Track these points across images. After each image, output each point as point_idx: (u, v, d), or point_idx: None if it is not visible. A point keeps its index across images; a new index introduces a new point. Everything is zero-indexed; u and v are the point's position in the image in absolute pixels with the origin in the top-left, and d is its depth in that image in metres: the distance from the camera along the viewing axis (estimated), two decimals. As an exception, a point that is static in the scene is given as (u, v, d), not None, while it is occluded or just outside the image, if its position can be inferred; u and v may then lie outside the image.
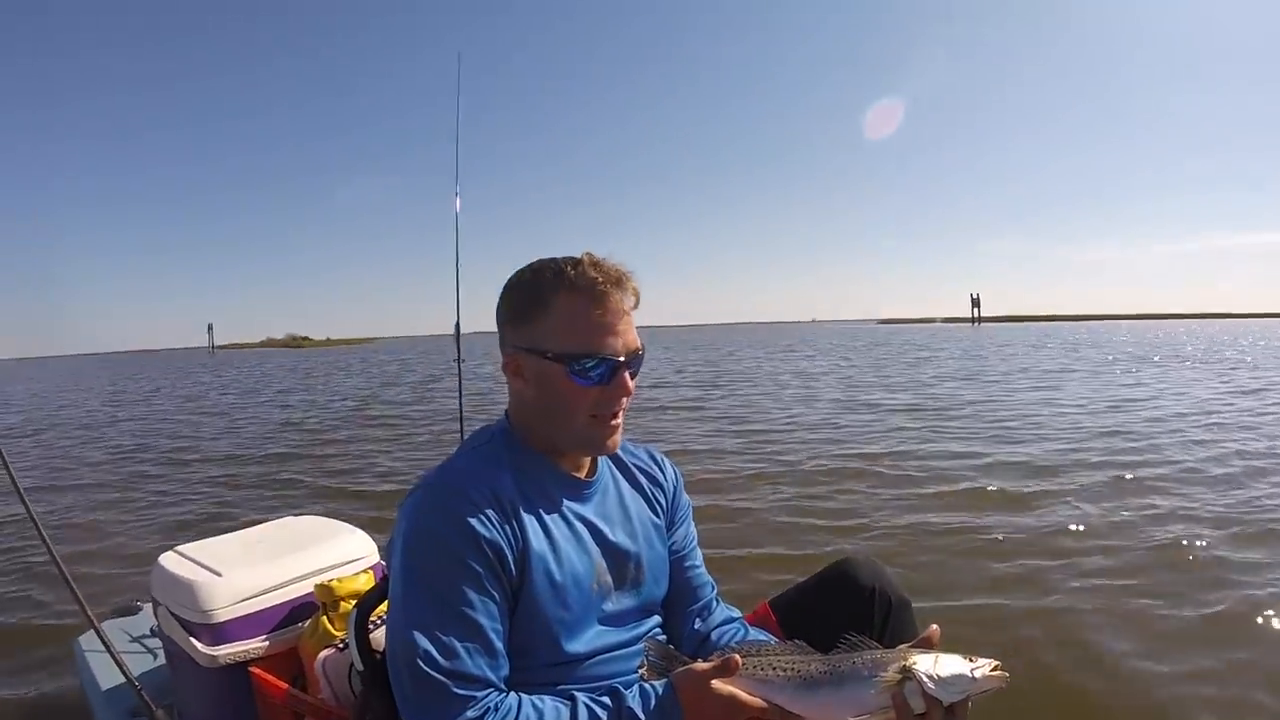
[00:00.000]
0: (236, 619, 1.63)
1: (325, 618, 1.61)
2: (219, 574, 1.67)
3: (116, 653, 1.76)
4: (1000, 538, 3.76)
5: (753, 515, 4.42)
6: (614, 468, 1.22)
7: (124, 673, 1.74)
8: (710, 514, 4.33)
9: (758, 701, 0.93)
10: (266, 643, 1.66)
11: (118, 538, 4.55)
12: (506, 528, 1.00)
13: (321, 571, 1.75)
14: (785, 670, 0.95)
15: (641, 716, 0.94)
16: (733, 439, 7.36)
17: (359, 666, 1.24)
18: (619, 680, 1.04)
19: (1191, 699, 2.22)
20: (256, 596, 1.67)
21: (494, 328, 1.14)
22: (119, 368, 43.37)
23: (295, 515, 2.20)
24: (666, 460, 1.30)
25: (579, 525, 1.10)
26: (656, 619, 1.20)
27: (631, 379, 1.08)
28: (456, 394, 2.50)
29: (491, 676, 0.96)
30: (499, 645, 0.98)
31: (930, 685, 0.89)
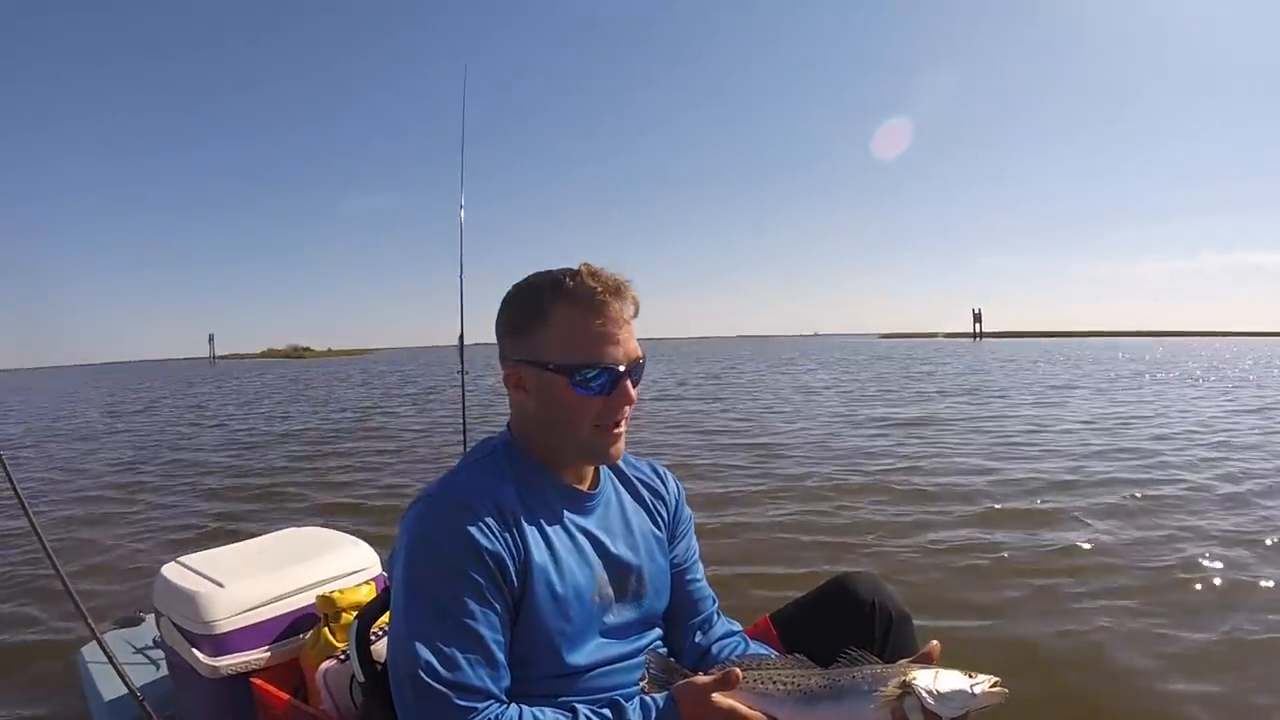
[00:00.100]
0: (238, 630, 1.64)
1: (327, 629, 1.61)
2: (221, 585, 1.68)
3: (119, 664, 1.76)
4: (1005, 555, 3.73)
5: (754, 530, 4.39)
6: (616, 480, 1.22)
7: (126, 684, 1.74)
8: (712, 528, 4.31)
9: (758, 715, 0.93)
10: (268, 654, 1.66)
11: (120, 549, 4.54)
12: (508, 539, 1.01)
13: (323, 583, 1.76)
14: (785, 684, 0.96)
15: (642, 729, 0.95)
16: (735, 453, 7.33)
17: (360, 678, 1.24)
18: (620, 693, 1.04)
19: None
20: (258, 608, 1.68)
21: (495, 339, 1.15)
22: (119, 378, 43.38)
23: (297, 527, 2.21)
24: (669, 473, 1.31)
25: (581, 537, 1.10)
26: (658, 632, 1.21)
27: (633, 388, 1.09)
28: (456, 405, 2.50)
29: (493, 688, 0.97)
30: (500, 656, 0.98)
31: (930, 700, 0.89)
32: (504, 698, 0.98)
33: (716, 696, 0.93)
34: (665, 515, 1.25)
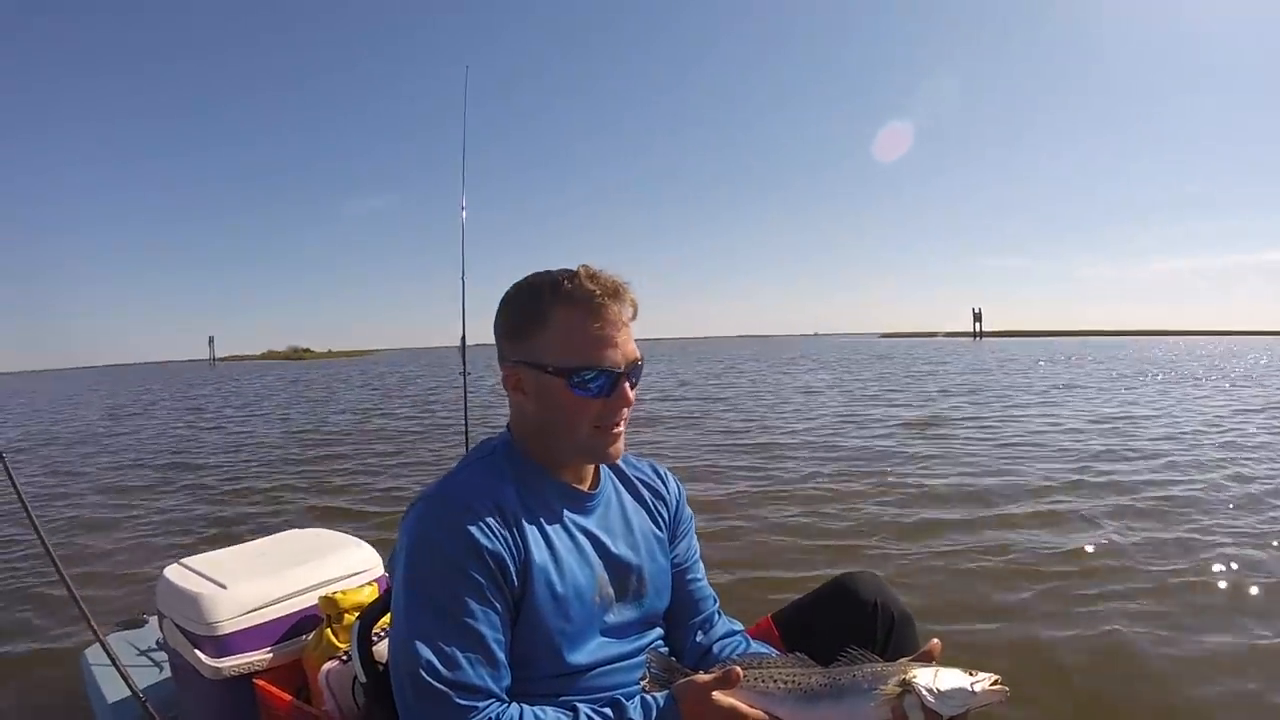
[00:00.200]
0: (241, 631, 1.65)
1: (329, 630, 1.61)
2: (224, 586, 1.69)
3: (122, 666, 1.77)
4: (1013, 557, 3.69)
5: (756, 532, 4.38)
6: (617, 480, 1.23)
7: (129, 685, 1.75)
8: (714, 530, 4.30)
9: (758, 714, 0.93)
10: (270, 655, 1.67)
11: (122, 552, 4.55)
12: (508, 539, 1.01)
13: (326, 584, 1.77)
14: (786, 682, 0.96)
15: (643, 727, 0.95)
16: (736, 453, 7.33)
17: (362, 678, 1.24)
18: (621, 692, 1.04)
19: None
20: (261, 609, 1.68)
21: (494, 340, 1.15)
22: (119, 381, 43.38)
23: (299, 528, 2.21)
24: (669, 474, 1.31)
25: (581, 537, 1.11)
26: (658, 631, 1.21)
27: (632, 389, 1.09)
28: (457, 406, 2.50)
29: (493, 687, 0.97)
30: (501, 656, 0.99)
31: (930, 699, 0.89)
32: (505, 697, 0.98)
33: (717, 695, 0.93)
34: (666, 515, 1.26)
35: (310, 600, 1.73)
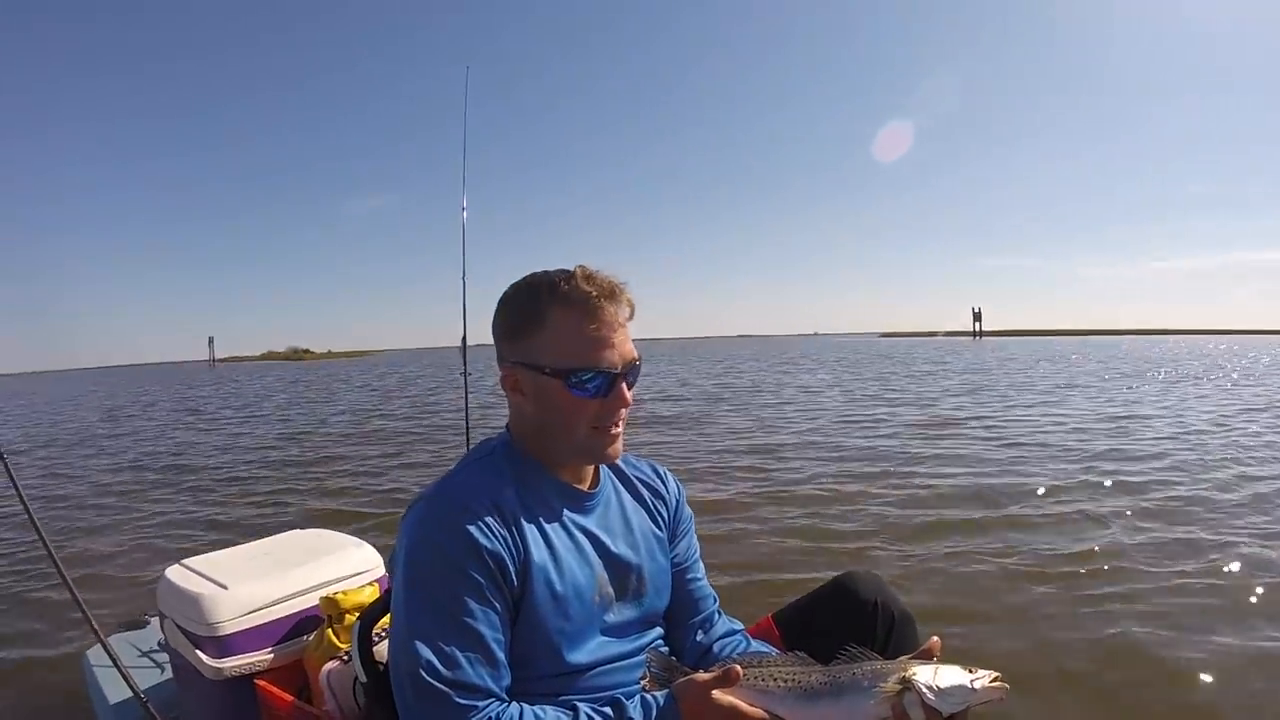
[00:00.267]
0: (242, 632, 1.65)
1: (330, 630, 1.62)
2: (225, 587, 1.69)
3: (123, 667, 1.77)
4: (1019, 558, 3.66)
5: (757, 532, 4.37)
6: (616, 480, 1.23)
7: (131, 686, 1.75)
8: (714, 531, 4.29)
9: (759, 712, 0.93)
10: (271, 655, 1.67)
11: (123, 553, 4.55)
12: (508, 538, 1.01)
13: (327, 584, 1.77)
14: (786, 681, 0.96)
15: (643, 726, 0.95)
16: (737, 454, 7.32)
17: (362, 678, 1.25)
18: (621, 691, 1.05)
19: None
20: (262, 609, 1.69)
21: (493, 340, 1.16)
22: (119, 382, 43.39)
23: (300, 529, 2.21)
24: (669, 473, 1.32)
25: (581, 537, 1.11)
26: (659, 631, 1.21)
27: (629, 390, 1.09)
28: (457, 407, 2.51)
29: (493, 686, 0.97)
30: (501, 655, 0.99)
31: (930, 696, 0.89)
32: (505, 696, 0.99)
33: (717, 694, 0.94)
34: (665, 515, 1.26)
35: (311, 601, 1.73)
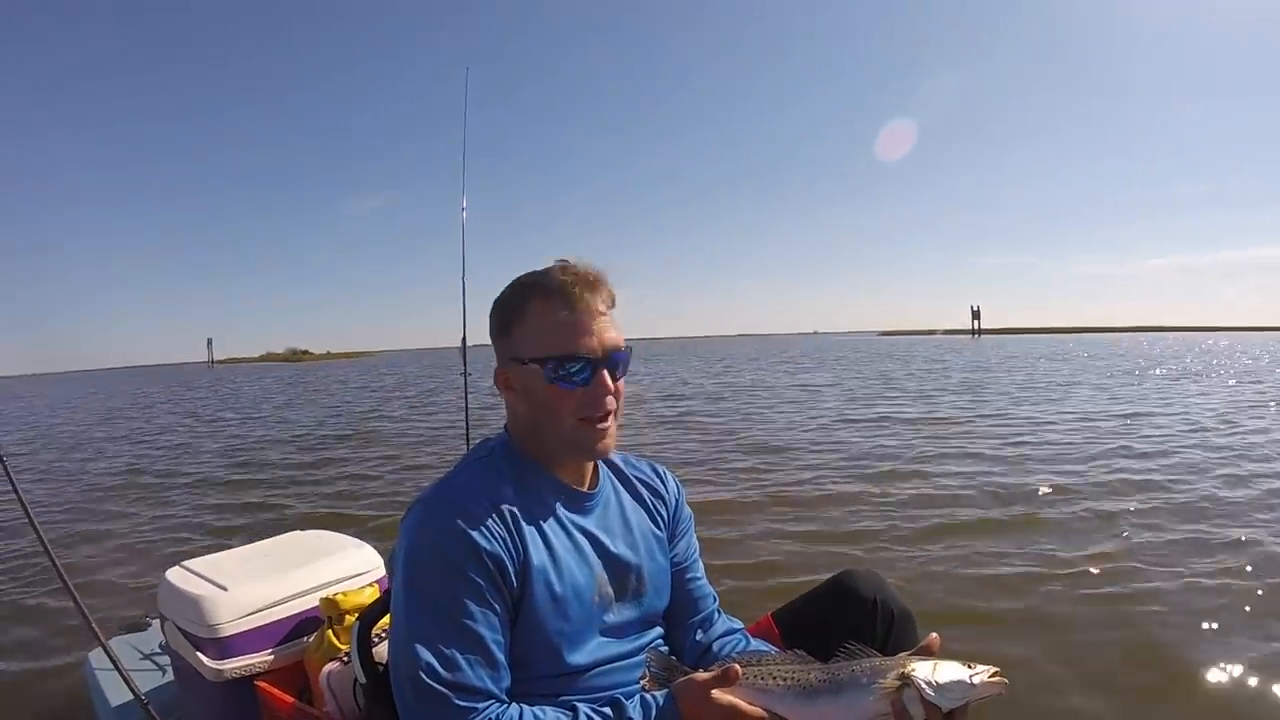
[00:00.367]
0: (242, 633, 1.65)
1: (330, 631, 1.62)
2: (225, 588, 1.69)
3: (124, 669, 1.77)
4: (1025, 559, 3.63)
5: (757, 531, 4.36)
6: (616, 480, 1.23)
7: (132, 689, 1.75)
8: (714, 530, 4.28)
9: (758, 711, 0.93)
10: (272, 656, 1.67)
11: (124, 555, 4.55)
12: (507, 539, 1.01)
13: (327, 585, 1.77)
14: (785, 679, 0.96)
15: (642, 726, 0.95)
16: (736, 453, 7.31)
17: (362, 680, 1.25)
18: (620, 691, 1.05)
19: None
20: (262, 610, 1.69)
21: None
22: (118, 384, 43.34)
23: (300, 530, 2.22)
24: (668, 473, 1.32)
25: (580, 537, 1.11)
26: (658, 630, 1.21)
27: (612, 379, 1.08)
28: (456, 407, 2.50)
29: (493, 688, 0.97)
30: (500, 657, 0.99)
31: (929, 692, 0.89)
32: (504, 698, 0.99)
33: (716, 693, 0.94)
34: (665, 514, 1.26)
35: (311, 602, 1.73)
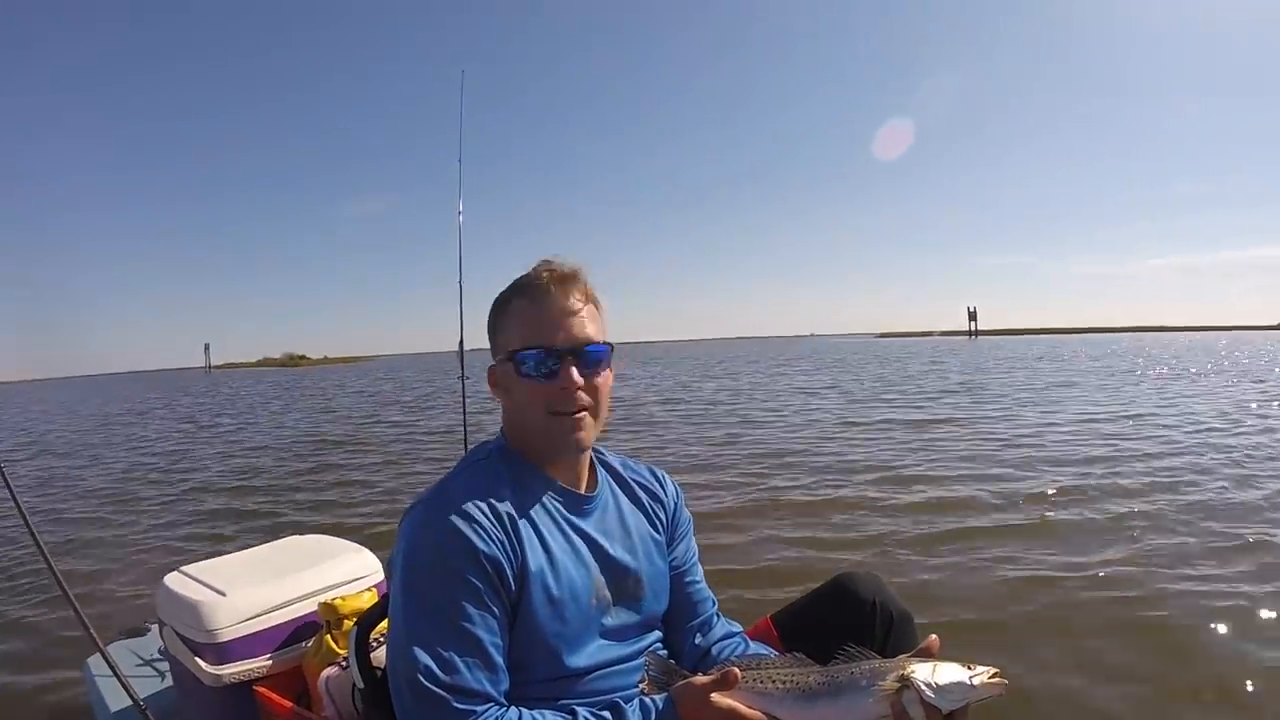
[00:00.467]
0: (241, 638, 1.65)
1: (329, 636, 1.62)
2: (223, 594, 1.69)
3: (123, 675, 1.77)
4: (1029, 562, 3.61)
5: (756, 535, 4.34)
6: (614, 483, 1.23)
7: (130, 695, 1.75)
8: (713, 533, 4.27)
9: (757, 714, 0.93)
10: (270, 661, 1.67)
11: (122, 560, 4.54)
12: (505, 542, 1.01)
13: (325, 590, 1.77)
14: (784, 682, 0.96)
15: (641, 730, 0.95)
16: (735, 456, 7.29)
17: (360, 684, 1.25)
18: (619, 694, 1.04)
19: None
20: (260, 615, 1.69)
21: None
22: (116, 389, 43.22)
23: (299, 535, 2.21)
24: (667, 477, 1.32)
25: (578, 540, 1.11)
26: (657, 634, 1.21)
27: (582, 374, 1.08)
28: (455, 410, 2.50)
29: (491, 691, 0.97)
30: (499, 659, 0.99)
31: (928, 693, 0.89)
32: (503, 700, 0.99)
33: (715, 696, 0.93)
34: (664, 518, 1.26)
35: (310, 606, 1.73)
